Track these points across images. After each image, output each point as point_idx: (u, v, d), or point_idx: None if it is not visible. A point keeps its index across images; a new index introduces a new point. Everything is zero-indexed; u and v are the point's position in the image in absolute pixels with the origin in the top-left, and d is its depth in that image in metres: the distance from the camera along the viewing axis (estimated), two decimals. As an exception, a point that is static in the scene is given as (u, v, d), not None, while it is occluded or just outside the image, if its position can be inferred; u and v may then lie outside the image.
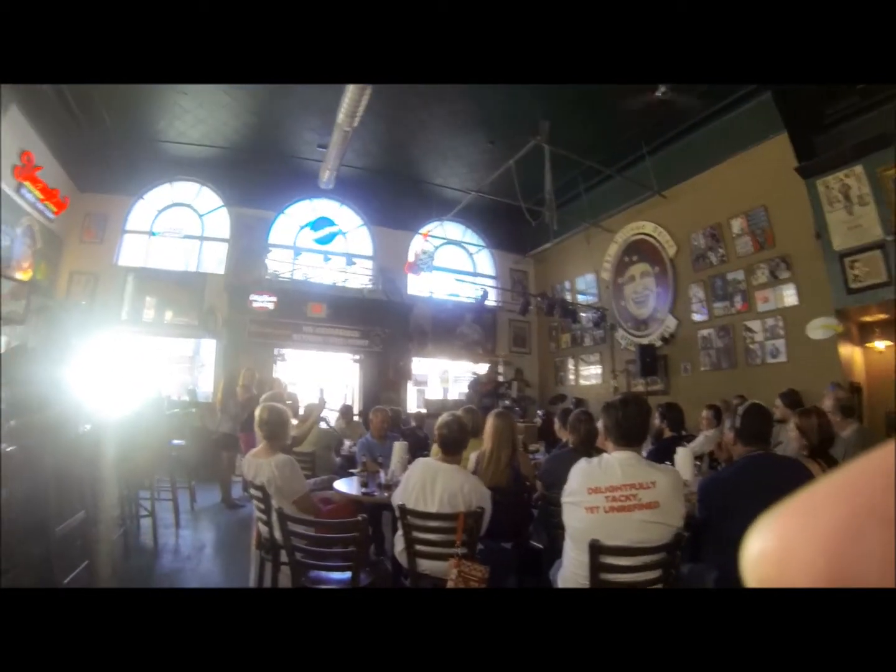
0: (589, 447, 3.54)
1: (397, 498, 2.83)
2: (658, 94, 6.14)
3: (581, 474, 2.26)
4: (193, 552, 4.61)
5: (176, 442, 6.14)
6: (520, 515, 3.60)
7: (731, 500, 2.28)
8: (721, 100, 7.45)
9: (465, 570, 2.46)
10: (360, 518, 2.51)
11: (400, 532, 2.75)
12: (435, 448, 3.25)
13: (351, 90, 6.24)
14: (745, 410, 2.57)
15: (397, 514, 2.77)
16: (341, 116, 6.81)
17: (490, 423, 3.55)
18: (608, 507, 2.15)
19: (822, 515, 0.20)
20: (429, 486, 2.77)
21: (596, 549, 2.12)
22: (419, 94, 7.57)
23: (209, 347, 9.66)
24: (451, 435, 2.91)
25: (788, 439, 3.26)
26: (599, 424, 2.76)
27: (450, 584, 2.44)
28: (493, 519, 2.85)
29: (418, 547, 2.69)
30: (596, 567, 2.13)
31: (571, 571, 2.27)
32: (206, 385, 9.42)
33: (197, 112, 8.19)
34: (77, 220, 8.97)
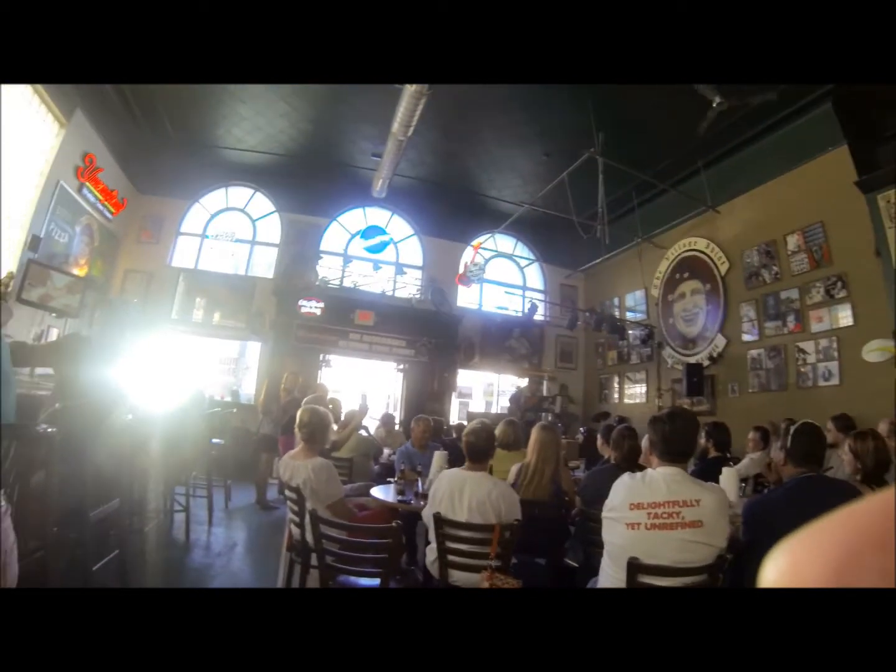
0: (632, 464, 3.44)
1: (428, 510, 2.79)
2: (714, 104, 5.96)
3: (624, 489, 2.19)
4: (224, 549, 4.66)
5: (215, 441, 6.26)
6: (557, 531, 3.51)
7: (780, 522, 2.15)
8: (779, 112, 7.17)
9: (497, 583, 2.40)
10: (394, 524, 2.48)
11: (433, 543, 2.71)
12: None
13: (406, 99, 6.30)
14: (796, 430, 2.45)
15: (429, 525, 2.75)
16: (396, 125, 6.88)
17: (535, 435, 3.49)
18: (650, 523, 2.06)
19: (828, 541, 0.23)
20: (457, 495, 2.73)
21: (634, 568, 2.03)
22: (475, 104, 7.58)
23: (254, 350, 9.86)
24: (477, 443, 2.87)
25: (841, 463, 3.10)
26: (644, 440, 2.67)
27: (481, 597, 2.38)
28: (530, 534, 2.78)
29: (451, 557, 2.64)
30: (633, 586, 2.04)
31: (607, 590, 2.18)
32: (249, 387, 9.63)
33: (255, 119, 8.43)
34: (135, 221, 9.36)
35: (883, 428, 3.58)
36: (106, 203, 8.11)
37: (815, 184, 7.07)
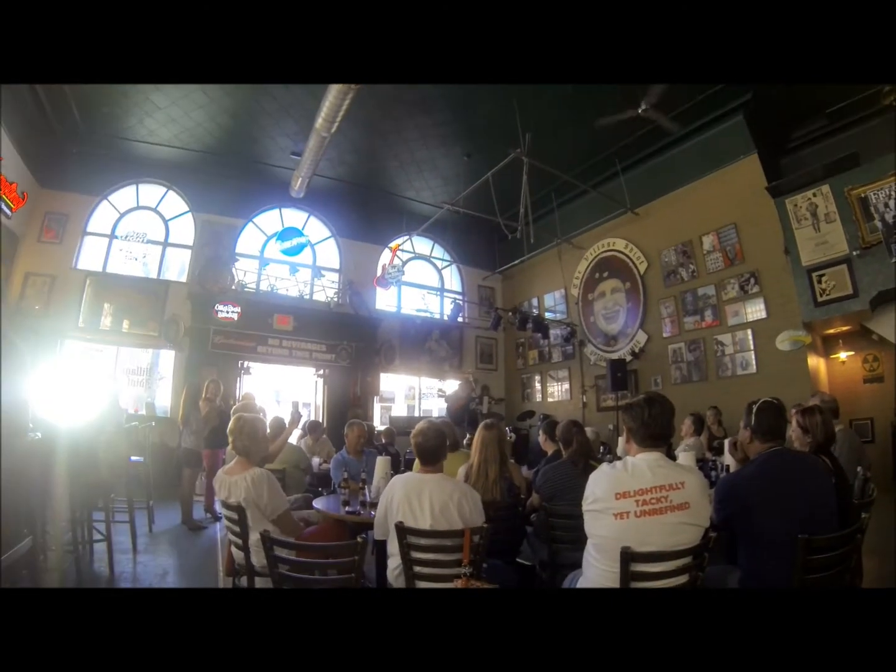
0: (586, 456, 3.43)
1: (382, 520, 2.61)
2: (639, 111, 6.18)
3: (605, 480, 2.13)
4: (155, 580, 4.15)
5: (134, 458, 5.72)
6: (514, 531, 3.43)
7: (756, 496, 2.23)
8: (695, 121, 7.65)
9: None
10: (359, 539, 2.26)
11: (394, 556, 2.52)
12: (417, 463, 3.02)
13: (333, 94, 6.07)
14: (758, 408, 2.52)
15: (378, 535, 2.63)
16: (320, 121, 6.63)
17: (477, 435, 3.40)
18: (639, 511, 2.02)
19: None
20: (415, 501, 2.53)
21: (627, 557, 1.98)
22: (399, 102, 7.50)
23: (168, 359, 9.22)
24: (426, 443, 2.68)
25: (789, 438, 3.23)
26: (623, 429, 2.63)
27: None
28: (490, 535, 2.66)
29: (417, 569, 2.46)
30: (627, 576, 1.98)
31: (597, 584, 2.11)
32: (164, 399, 8.98)
33: (170, 110, 7.86)
34: (36, 218, 8.43)
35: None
36: (4, 197, 7.12)
37: (727, 188, 7.62)
